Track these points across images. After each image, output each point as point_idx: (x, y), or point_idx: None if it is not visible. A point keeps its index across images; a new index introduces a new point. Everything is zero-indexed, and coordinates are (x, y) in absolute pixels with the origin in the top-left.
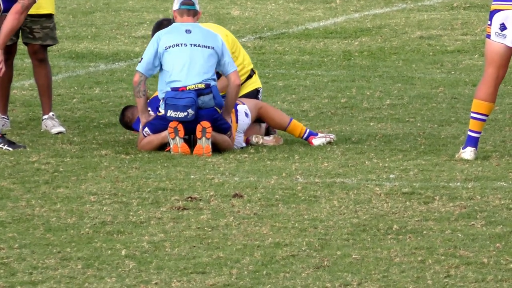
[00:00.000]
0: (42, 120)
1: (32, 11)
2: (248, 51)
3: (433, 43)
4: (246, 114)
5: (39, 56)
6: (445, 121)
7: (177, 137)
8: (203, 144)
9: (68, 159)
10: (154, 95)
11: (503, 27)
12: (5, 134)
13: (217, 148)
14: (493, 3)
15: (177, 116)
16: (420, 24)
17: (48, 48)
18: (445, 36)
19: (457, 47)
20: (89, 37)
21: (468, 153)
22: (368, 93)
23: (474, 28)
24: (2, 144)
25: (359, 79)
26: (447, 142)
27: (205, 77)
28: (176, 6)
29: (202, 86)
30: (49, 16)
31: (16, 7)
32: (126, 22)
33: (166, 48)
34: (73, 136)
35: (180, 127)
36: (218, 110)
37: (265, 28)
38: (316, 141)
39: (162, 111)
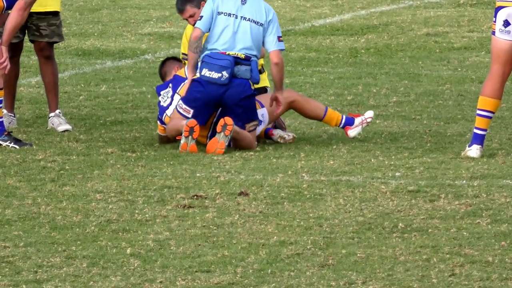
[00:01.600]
0: (49, 117)
1: (39, 8)
2: None
3: (440, 40)
4: (260, 122)
5: (46, 54)
6: (451, 119)
7: (190, 137)
8: (219, 139)
9: (74, 157)
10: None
11: (506, 23)
12: (11, 131)
13: (238, 145)
14: (497, 0)
15: (211, 76)
16: (427, 21)
17: (55, 45)
18: (451, 33)
19: (464, 44)
20: (95, 34)
21: (474, 151)
22: (374, 90)
23: (480, 25)
24: (9, 141)
25: (366, 76)
26: (453, 140)
27: (247, 48)
28: None
29: (242, 56)
30: (56, 14)
31: (19, 4)
32: (133, 19)
33: (218, 13)
34: (79, 134)
35: (197, 128)
36: (252, 85)
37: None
38: (352, 132)
39: (198, 74)
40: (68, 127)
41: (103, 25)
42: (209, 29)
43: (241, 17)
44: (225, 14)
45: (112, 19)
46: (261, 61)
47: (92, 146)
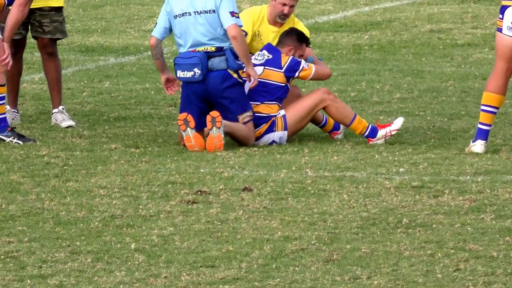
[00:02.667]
0: (52, 113)
1: (42, 4)
2: None
3: (443, 36)
4: (273, 142)
5: (49, 50)
6: (455, 115)
7: (188, 128)
8: (214, 134)
9: (78, 153)
10: None
11: None
12: (15, 127)
13: (235, 139)
14: None
15: (185, 76)
16: (430, 18)
17: (58, 41)
18: (455, 30)
19: (467, 40)
20: (99, 30)
21: (478, 146)
22: (378, 87)
23: (484, 22)
24: (12, 137)
25: (369, 73)
26: (457, 136)
27: (214, 39)
28: None
29: (213, 49)
30: (59, 10)
31: (19, 0)
32: (136, 16)
33: (174, 17)
34: (83, 130)
35: (190, 117)
36: (232, 73)
37: None
38: (373, 143)
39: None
40: (71, 123)
41: (106, 22)
42: (167, 35)
43: (195, 12)
44: (180, 15)
45: (115, 15)
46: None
47: (96, 142)
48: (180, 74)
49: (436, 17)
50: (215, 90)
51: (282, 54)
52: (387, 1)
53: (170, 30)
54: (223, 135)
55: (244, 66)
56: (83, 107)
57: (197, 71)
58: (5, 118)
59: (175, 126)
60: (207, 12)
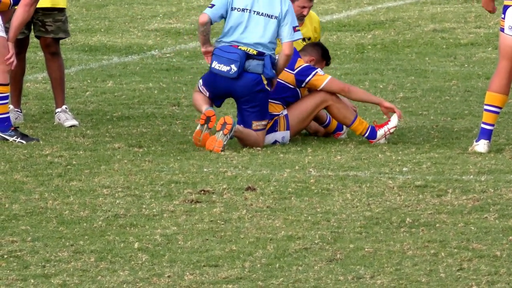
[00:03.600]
0: (55, 113)
1: (45, 4)
2: None
3: (447, 36)
4: (276, 142)
5: (52, 50)
6: (458, 114)
7: (205, 125)
8: (218, 138)
9: (81, 152)
10: None
11: None
12: (18, 127)
13: (242, 143)
14: None
15: (220, 69)
16: (434, 17)
17: (61, 41)
18: (458, 29)
19: (471, 40)
20: (102, 30)
21: (481, 146)
22: (381, 86)
23: (487, 21)
24: (15, 137)
25: (372, 72)
26: (460, 135)
27: (260, 43)
28: None
29: (254, 52)
30: (61, 10)
31: (25, 0)
32: (139, 15)
33: (232, 8)
34: (86, 129)
35: (214, 118)
36: (264, 79)
37: None
38: (374, 143)
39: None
40: (74, 122)
41: (109, 21)
42: (218, 21)
43: (255, 11)
44: (239, 9)
45: (118, 15)
46: None
47: (99, 142)
48: (215, 65)
49: (440, 16)
50: (245, 91)
51: (300, 59)
52: (391, 0)
53: (222, 18)
54: (224, 143)
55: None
56: (86, 106)
57: (233, 68)
58: (8, 117)
59: (179, 126)
60: (269, 17)
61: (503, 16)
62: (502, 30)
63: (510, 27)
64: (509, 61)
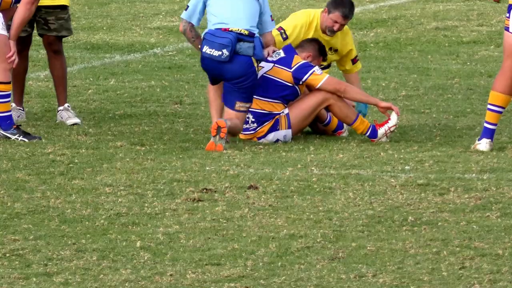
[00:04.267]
0: (58, 111)
1: (47, 2)
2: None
3: (449, 34)
4: (278, 140)
5: (54, 48)
6: (460, 112)
7: (217, 136)
8: (216, 143)
9: (83, 151)
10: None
11: None
12: (20, 125)
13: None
14: None
15: (211, 53)
16: (436, 15)
17: (64, 39)
18: (460, 27)
19: (473, 38)
20: (104, 28)
21: (483, 144)
22: (383, 84)
23: (490, 19)
24: (18, 135)
25: (375, 70)
26: (462, 134)
27: (250, 24)
28: None
29: (246, 32)
30: (64, 8)
31: None
32: (142, 13)
33: None
34: (88, 128)
35: (225, 130)
36: (255, 62)
37: (280, 19)
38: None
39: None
40: (77, 120)
41: (112, 19)
42: (201, 17)
43: None
44: None
45: (121, 13)
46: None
47: (101, 140)
48: (206, 49)
49: (442, 14)
50: (236, 73)
51: (296, 56)
52: None
53: (201, 13)
54: (224, 145)
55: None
56: (89, 104)
57: (225, 52)
58: (10, 115)
59: (181, 124)
60: None
61: (508, 15)
62: (507, 29)
63: None
64: None
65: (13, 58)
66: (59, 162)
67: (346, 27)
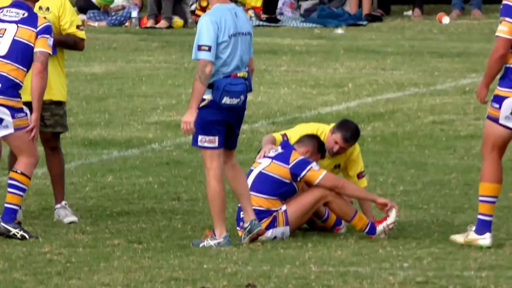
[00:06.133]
0: (55, 209)
1: (44, 96)
2: (261, 136)
3: (446, 128)
4: (276, 237)
5: (52, 145)
6: (458, 208)
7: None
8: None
9: (80, 249)
10: None
11: None
12: (20, 222)
13: None
14: (503, 89)
15: (231, 103)
16: (433, 109)
17: (61, 135)
18: (457, 121)
19: (470, 132)
20: (102, 123)
21: (488, 239)
22: (381, 179)
23: (486, 113)
24: (18, 229)
25: (372, 165)
26: (460, 230)
27: (247, 67)
28: None
29: (246, 75)
30: (59, 103)
31: (36, 68)
32: (140, 108)
33: (229, 36)
34: (86, 226)
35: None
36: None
37: (278, 113)
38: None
39: (207, 97)
40: (74, 218)
41: (109, 114)
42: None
43: (240, 33)
44: (230, 36)
45: (119, 107)
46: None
47: (99, 238)
48: (227, 100)
49: (439, 108)
50: (241, 114)
51: (294, 152)
52: (390, 92)
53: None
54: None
55: None
56: (86, 202)
57: (242, 97)
58: (16, 211)
59: (179, 221)
60: (249, 35)
61: (497, 105)
62: (492, 118)
63: (506, 117)
64: (500, 151)
65: (33, 133)
66: (56, 262)
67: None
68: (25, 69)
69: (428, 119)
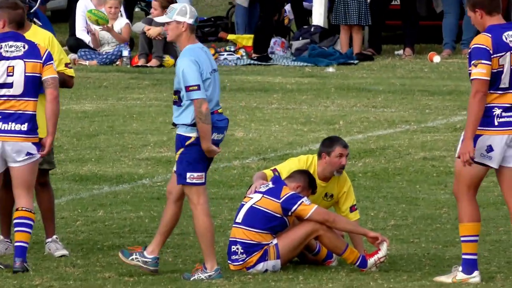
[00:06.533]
0: (46, 243)
1: None
2: (252, 172)
3: (437, 164)
4: (267, 270)
5: (41, 181)
6: (449, 242)
7: None
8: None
9: (71, 282)
10: None
11: (490, 148)
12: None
13: None
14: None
15: (218, 138)
16: (424, 146)
17: (51, 171)
18: (448, 157)
19: None
20: (93, 159)
21: (477, 277)
22: (372, 214)
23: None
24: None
25: (363, 200)
26: (451, 263)
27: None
28: (190, 20)
29: (221, 111)
30: None
31: (52, 94)
32: (130, 145)
33: (210, 73)
34: (77, 259)
35: None
36: None
37: (269, 149)
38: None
39: (193, 135)
40: (65, 252)
41: (100, 151)
42: None
43: (215, 70)
44: (210, 73)
45: (109, 144)
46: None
47: (90, 271)
48: (214, 136)
49: (429, 145)
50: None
51: (285, 187)
52: (381, 129)
53: None
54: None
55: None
56: (77, 236)
57: (225, 133)
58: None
59: (169, 254)
60: (217, 71)
61: (474, 145)
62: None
63: (481, 154)
64: (476, 189)
65: (44, 153)
66: None
67: (344, 174)
68: (37, 99)
69: (419, 155)
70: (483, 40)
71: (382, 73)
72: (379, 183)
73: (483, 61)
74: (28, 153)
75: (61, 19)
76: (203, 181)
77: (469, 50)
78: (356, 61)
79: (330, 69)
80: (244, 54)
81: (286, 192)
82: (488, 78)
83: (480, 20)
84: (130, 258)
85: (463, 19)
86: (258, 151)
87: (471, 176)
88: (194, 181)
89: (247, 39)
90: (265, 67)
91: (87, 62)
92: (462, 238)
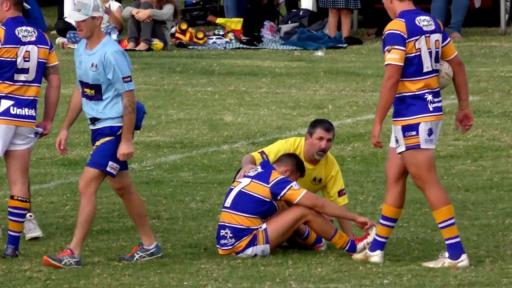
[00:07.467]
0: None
1: None
2: (241, 156)
3: None
4: (256, 255)
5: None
6: (438, 226)
7: None
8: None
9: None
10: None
11: (430, 132)
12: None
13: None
14: (411, 118)
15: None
16: None
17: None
18: (437, 141)
19: (450, 152)
20: (81, 144)
21: (466, 260)
22: (361, 198)
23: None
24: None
25: (352, 184)
26: (440, 247)
27: None
28: (102, 13)
29: None
30: None
31: (58, 80)
32: None
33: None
34: (66, 244)
35: None
36: None
37: (258, 134)
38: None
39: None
40: (37, 234)
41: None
42: None
43: None
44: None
45: None
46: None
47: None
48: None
49: None
50: None
51: (274, 171)
52: (370, 113)
53: None
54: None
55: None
56: (66, 220)
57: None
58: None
59: (158, 239)
60: None
61: (414, 133)
62: (413, 147)
63: (426, 140)
64: (435, 171)
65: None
66: (36, 279)
67: (332, 158)
68: (40, 85)
69: None
70: (397, 26)
71: (371, 57)
72: (368, 167)
73: (396, 47)
74: (28, 136)
75: (49, 3)
76: (116, 173)
77: (383, 36)
78: (345, 45)
79: (319, 53)
80: (233, 38)
81: (275, 176)
82: (401, 64)
83: (390, 5)
84: (135, 259)
85: (452, 3)
86: (247, 136)
87: (426, 160)
88: (112, 171)
89: (236, 23)
90: (254, 51)
91: (75, 45)
92: (441, 225)
